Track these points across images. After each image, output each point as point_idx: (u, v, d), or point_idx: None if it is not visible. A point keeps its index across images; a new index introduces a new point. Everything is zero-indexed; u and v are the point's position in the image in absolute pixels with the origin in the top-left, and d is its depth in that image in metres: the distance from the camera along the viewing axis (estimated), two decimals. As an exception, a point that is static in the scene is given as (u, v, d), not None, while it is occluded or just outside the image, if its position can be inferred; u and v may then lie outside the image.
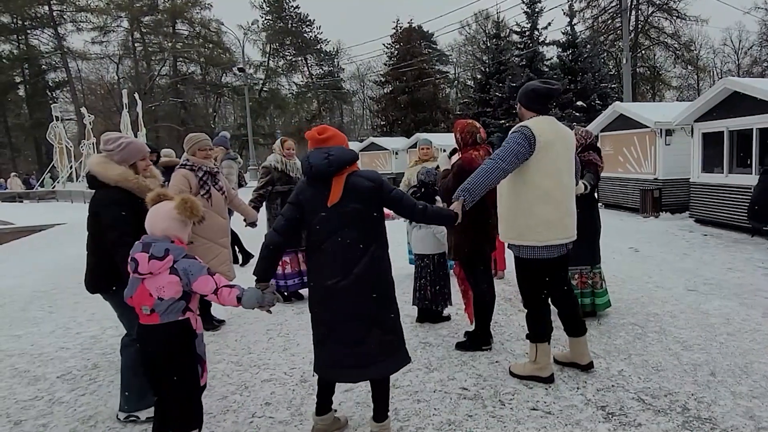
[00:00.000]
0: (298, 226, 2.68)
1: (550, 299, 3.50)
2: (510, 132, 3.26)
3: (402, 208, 2.77)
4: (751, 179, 8.80)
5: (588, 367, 3.57)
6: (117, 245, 2.88)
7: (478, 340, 4.06)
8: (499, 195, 3.42)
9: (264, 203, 5.48)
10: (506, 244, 3.48)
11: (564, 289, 3.55)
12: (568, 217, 3.28)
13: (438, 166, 4.34)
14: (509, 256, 6.46)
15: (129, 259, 2.42)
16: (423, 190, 4.49)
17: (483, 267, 4.06)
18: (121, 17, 43.85)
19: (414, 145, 22.59)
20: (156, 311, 2.41)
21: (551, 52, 31.16)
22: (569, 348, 3.65)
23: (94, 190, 3.12)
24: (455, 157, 4.20)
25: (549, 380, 3.42)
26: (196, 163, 4.45)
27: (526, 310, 3.50)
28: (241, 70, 34.47)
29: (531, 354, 3.49)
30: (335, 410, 2.95)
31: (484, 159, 3.95)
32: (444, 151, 4.37)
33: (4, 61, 40.94)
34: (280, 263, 5.34)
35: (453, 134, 4.14)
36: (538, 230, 3.19)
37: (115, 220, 2.92)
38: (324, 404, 2.85)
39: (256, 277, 2.65)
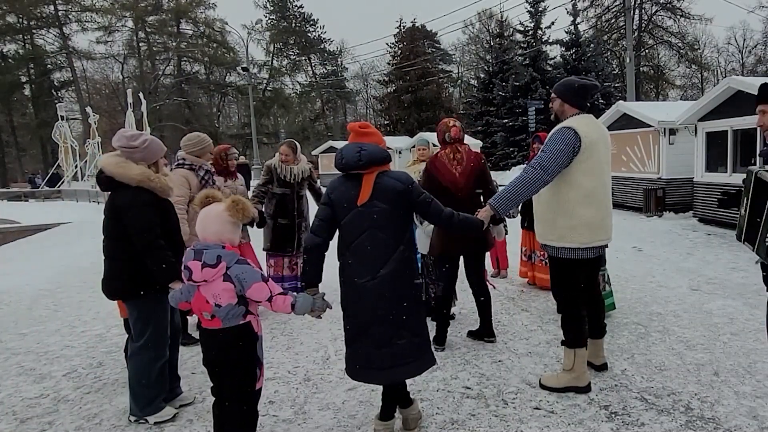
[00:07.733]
0: (333, 224, 2.69)
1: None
2: (551, 133, 3.15)
3: (429, 213, 2.77)
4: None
5: (602, 368, 3.55)
6: (149, 249, 2.82)
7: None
8: (537, 195, 3.26)
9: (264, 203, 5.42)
10: (540, 244, 3.37)
11: (596, 289, 3.51)
12: (608, 218, 3.21)
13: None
14: (511, 255, 6.53)
15: (182, 268, 2.38)
16: None
17: (447, 266, 4.08)
18: (126, 17, 43.93)
19: (417, 145, 22.52)
20: (217, 316, 2.38)
21: (555, 52, 31.17)
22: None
23: (108, 192, 3.01)
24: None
25: (587, 389, 3.24)
26: (195, 162, 4.31)
27: (560, 315, 3.35)
28: (245, 69, 34.49)
29: (567, 362, 3.29)
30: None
31: (442, 159, 3.97)
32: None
33: (10, 60, 41.09)
34: (268, 266, 5.39)
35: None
36: (581, 231, 3.09)
37: (143, 222, 2.83)
38: (389, 408, 2.78)
39: (304, 284, 2.68)
